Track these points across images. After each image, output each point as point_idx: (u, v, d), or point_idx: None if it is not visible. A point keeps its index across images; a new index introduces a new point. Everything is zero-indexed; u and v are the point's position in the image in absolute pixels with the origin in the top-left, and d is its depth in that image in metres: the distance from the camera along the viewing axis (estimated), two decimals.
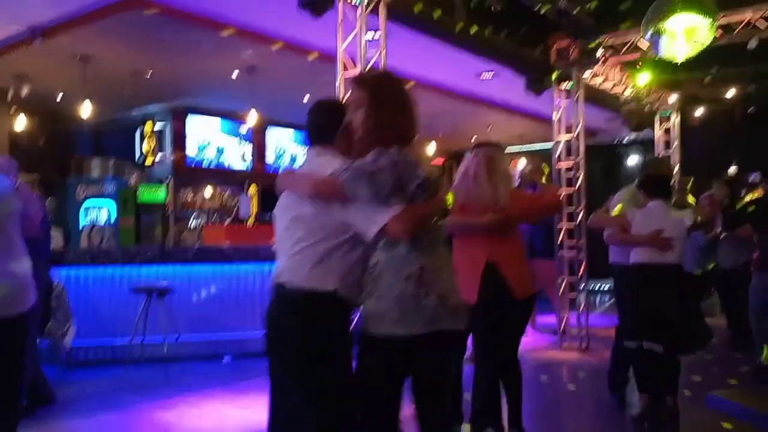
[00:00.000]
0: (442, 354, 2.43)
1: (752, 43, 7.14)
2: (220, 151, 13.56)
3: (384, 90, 2.43)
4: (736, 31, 7.10)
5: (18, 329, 3.37)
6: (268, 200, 14.25)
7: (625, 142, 15.58)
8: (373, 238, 2.26)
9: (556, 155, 8.08)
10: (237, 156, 13.90)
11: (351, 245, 2.31)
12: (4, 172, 4.05)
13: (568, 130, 8.06)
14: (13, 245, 3.42)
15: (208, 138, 13.34)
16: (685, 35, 6.15)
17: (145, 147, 12.94)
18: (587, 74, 8.28)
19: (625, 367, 5.00)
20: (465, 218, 3.65)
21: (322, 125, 2.52)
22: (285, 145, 14.96)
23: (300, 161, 2.64)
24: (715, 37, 6.26)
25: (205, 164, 13.29)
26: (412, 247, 2.34)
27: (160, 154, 12.89)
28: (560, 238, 7.87)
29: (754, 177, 12.78)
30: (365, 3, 5.18)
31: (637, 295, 4.55)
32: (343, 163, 2.30)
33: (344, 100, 2.53)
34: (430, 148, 15.01)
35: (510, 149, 16.88)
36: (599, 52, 8.02)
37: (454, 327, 2.39)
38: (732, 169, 13.39)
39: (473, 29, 6.82)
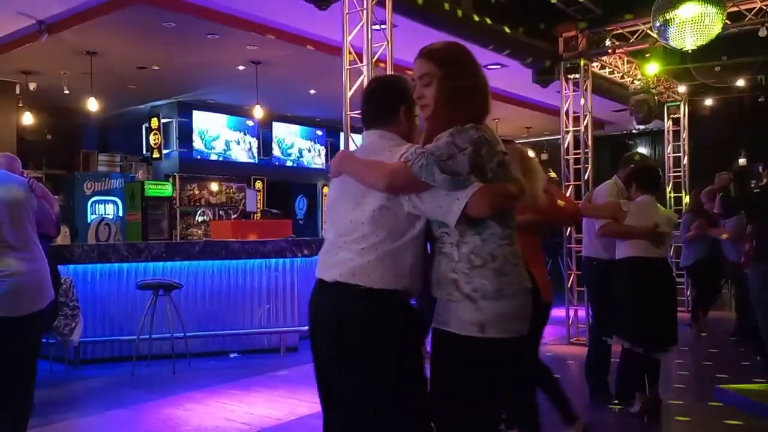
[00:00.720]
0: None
1: (762, 32, 7.05)
2: (226, 146, 13.57)
3: (456, 62, 2.17)
4: (745, 20, 7.02)
5: (36, 324, 3.40)
6: (274, 194, 14.26)
7: (633, 132, 15.50)
8: (456, 220, 2.03)
9: (564, 147, 8.02)
10: (243, 150, 13.90)
11: (420, 241, 2.15)
12: (17, 170, 4.06)
13: (576, 121, 7.99)
14: (32, 242, 3.44)
15: (215, 133, 13.34)
16: (694, 24, 6.08)
17: (152, 142, 12.95)
18: (595, 64, 8.21)
19: (605, 361, 4.99)
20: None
21: (382, 104, 2.28)
22: (291, 140, 14.96)
23: (358, 144, 2.38)
24: (723, 26, 6.19)
25: (211, 158, 13.30)
26: (514, 240, 2.15)
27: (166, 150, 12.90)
28: (567, 231, 7.82)
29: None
30: None
31: (628, 290, 4.48)
32: (412, 147, 2.11)
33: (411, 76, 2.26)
34: None
35: (518, 142, 16.82)
36: (608, 42, 7.95)
37: None
38: (742, 161, 13.30)
39: (480, 20, 6.77)
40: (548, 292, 3.54)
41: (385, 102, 2.28)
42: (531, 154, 3.67)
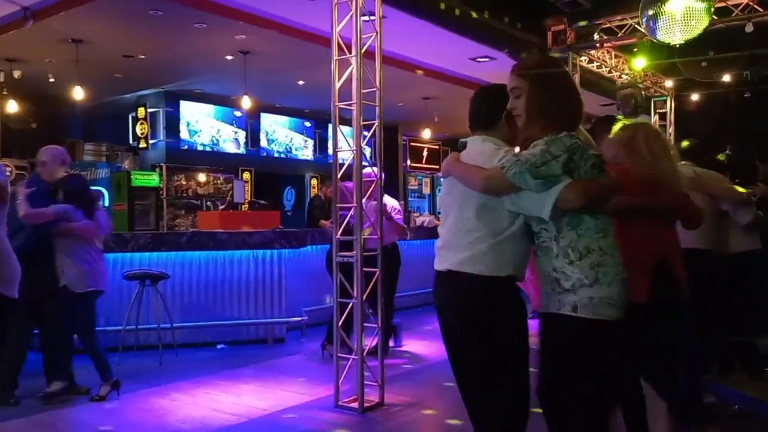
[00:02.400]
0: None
1: (749, 28, 7.10)
2: (214, 137, 13.50)
3: (543, 77, 2.41)
4: (732, 15, 7.06)
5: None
6: (262, 186, 14.21)
7: None
8: (550, 215, 2.26)
9: None
10: (231, 141, 13.84)
11: (521, 234, 2.39)
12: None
13: None
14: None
15: (202, 123, 13.26)
16: (682, 19, 6.10)
17: (139, 132, 12.85)
18: (583, 58, 8.23)
19: None
20: (642, 199, 3.11)
21: (485, 110, 2.54)
22: (279, 131, 14.91)
23: (466, 147, 2.61)
24: (711, 21, 6.22)
25: (198, 149, 13.22)
26: (609, 232, 2.35)
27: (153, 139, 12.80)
28: None
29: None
30: None
31: None
32: (509, 153, 2.37)
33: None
34: (425, 133, 14.97)
35: None
36: (596, 36, 7.97)
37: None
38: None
39: (469, 12, 6.76)
40: (686, 286, 3.24)
41: (487, 110, 2.54)
42: (656, 129, 3.39)
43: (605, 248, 2.30)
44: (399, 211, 6.28)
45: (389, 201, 6.10)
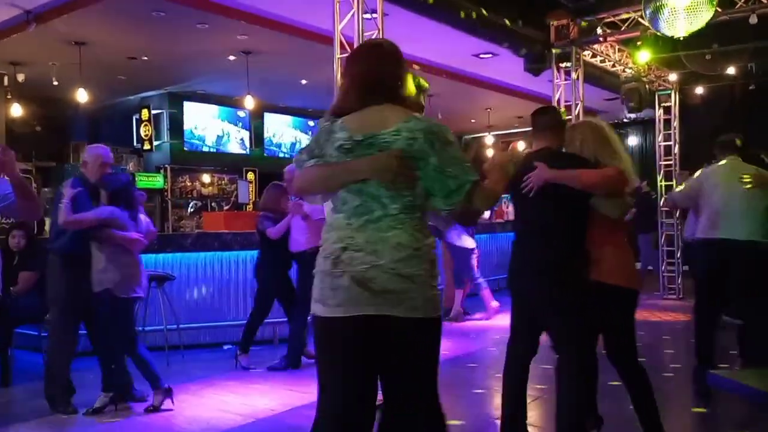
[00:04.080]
0: None
1: (753, 19, 7.05)
2: (217, 137, 13.50)
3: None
4: (736, 7, 7.01)
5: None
6: (266, 185, 14.19)
7: (625, 121, 15.50)
8: None
9: None
10: (235, 141, 13.84)
11: None
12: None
13: (568, 110, 7.98)
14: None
15: (205, 123, 13.27)
16: (686, 11, 6.08)
17: (143, 133, 12.86)
18: (587, 53, 8.20)
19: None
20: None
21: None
22: (283, 131, 14.90)
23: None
24: (714, 13, 6.19)
25: (202, 150, 13.23)
26: None
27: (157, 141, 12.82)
28: None
29: None
30: None
31: None
32: None
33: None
34: None
35: (508, 132, 16.81)
36: (599, 30, 7.94)
37: None
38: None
39: (471, 8, 6.74)
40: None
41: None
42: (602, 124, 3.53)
43: None
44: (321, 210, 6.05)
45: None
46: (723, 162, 4.75)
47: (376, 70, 2.29)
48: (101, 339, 4.68)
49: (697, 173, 4.94)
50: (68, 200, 4.30)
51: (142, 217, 4.80)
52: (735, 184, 4.47)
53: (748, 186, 4.38)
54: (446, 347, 6.02)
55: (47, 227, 6.44)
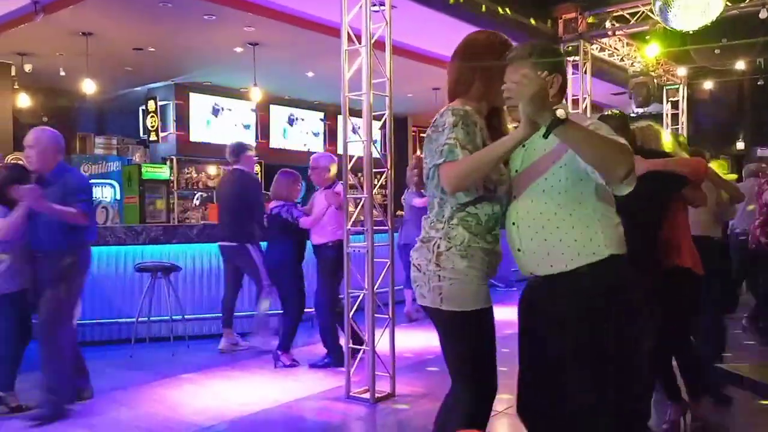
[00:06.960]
0: None
1: (762, 14, 7.01)
2: (224, 129, 13.49)
3: None
4: (746, 2, 6.97)
5: None
6: (272, 178, 14.19)
7: (633, 116, 15.46)
8: None
9: None
10: (241, 133, 13.83)
11: None
12: None
13: (576, 104, 7.95)
14: None
15: (212, 115, 13.26)
16: (695, 6, 6.04)
17: (149, 125, 12.87)
18: (595, 47, 8.16)
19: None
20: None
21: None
22: (289, 123, 14.88)
23: None
24: (724, 8, 6.15)
25: (208, 142, 13.22)
26: None
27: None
28: None
29: (762, 151, 12.63)
30: None
31: None
32: None
33: None
34: None
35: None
36: (608, 24, 7.90)
37: None
38: (740, 145, 13.26)
39: (478, 1, 6.71)
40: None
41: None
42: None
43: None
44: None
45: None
46: None
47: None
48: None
49: None
50: None
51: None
52: None
53: None
54: None
55: None
